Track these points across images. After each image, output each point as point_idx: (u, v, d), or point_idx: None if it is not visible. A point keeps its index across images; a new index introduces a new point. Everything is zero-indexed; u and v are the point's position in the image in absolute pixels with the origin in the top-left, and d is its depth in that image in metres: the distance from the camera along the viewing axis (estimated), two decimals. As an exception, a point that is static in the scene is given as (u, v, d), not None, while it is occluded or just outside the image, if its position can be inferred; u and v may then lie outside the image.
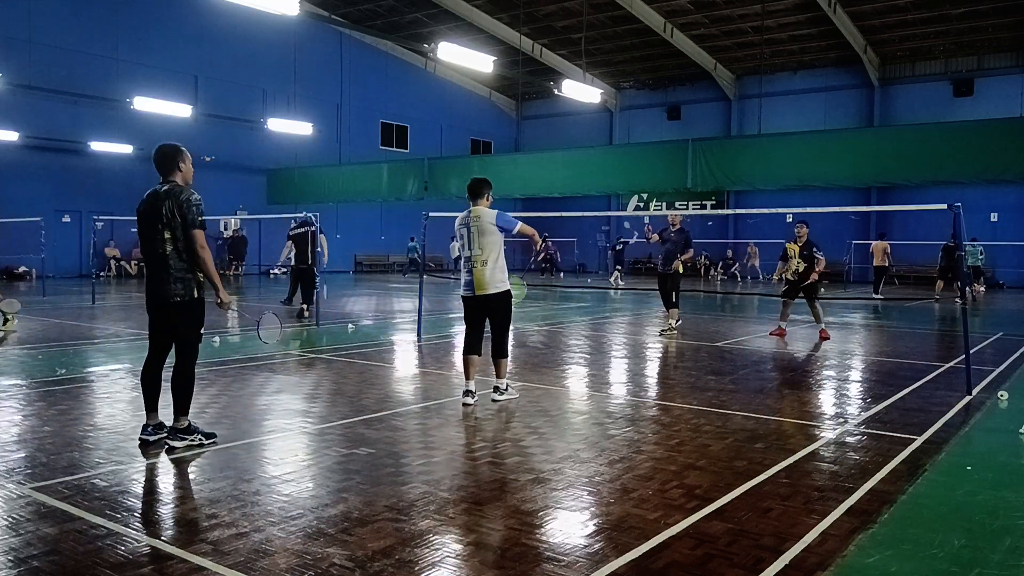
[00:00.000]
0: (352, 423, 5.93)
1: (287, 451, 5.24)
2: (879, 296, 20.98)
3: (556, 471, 4.74)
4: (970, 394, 7.25)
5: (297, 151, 29.88)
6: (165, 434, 5.24)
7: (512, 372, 8.54)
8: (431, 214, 11.64)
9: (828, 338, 11.61)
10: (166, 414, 5.33)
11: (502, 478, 4.58)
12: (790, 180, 20.88)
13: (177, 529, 3.76)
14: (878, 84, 31.17)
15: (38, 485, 4.31)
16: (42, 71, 23.81)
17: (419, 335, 11.17)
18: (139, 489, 4.37)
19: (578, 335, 12.24)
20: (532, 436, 5.64)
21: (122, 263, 26.59)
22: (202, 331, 5.32)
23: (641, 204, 36.00)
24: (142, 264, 25.21)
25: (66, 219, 25.12)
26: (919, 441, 5.58)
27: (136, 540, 3.57)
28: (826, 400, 7.43)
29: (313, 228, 13.96)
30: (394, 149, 35.54)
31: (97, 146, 24.80)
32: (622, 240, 29.21)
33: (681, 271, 12.37)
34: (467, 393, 6.69)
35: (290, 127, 27.48)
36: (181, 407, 5.16)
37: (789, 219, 31.31)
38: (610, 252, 28.54)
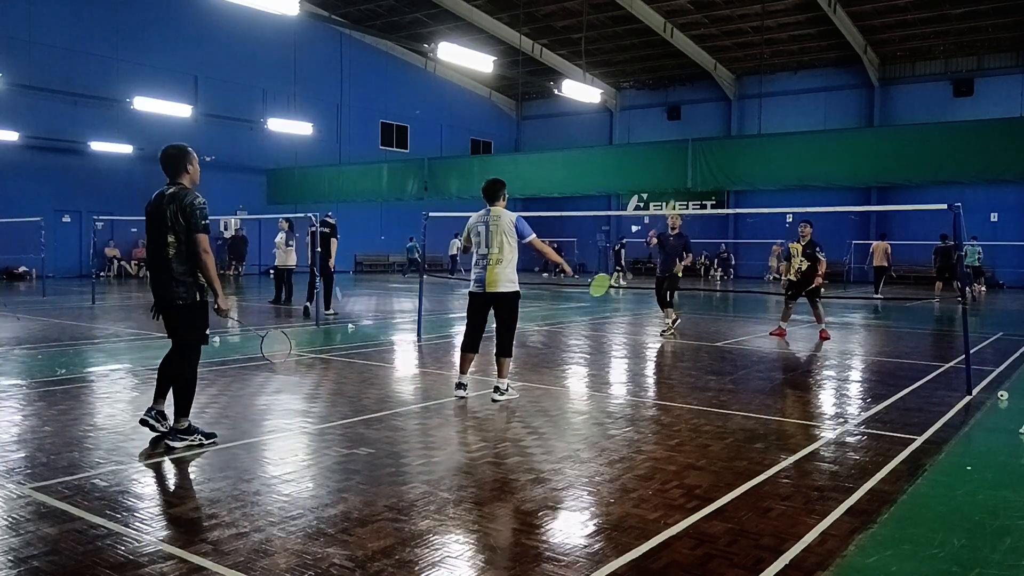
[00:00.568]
0: (352, 423, 5.93)
1: (287, 451, 5.23)
2: (879, 296, 20.99)
3: (556, 471, 4.74)
4: (970, 394, 7.25)
5: (297, 151, 29.89)
6: (164, 427, 5.27)
7: (512, 372, 8.53)
8: (431, 214, 11.64)
9: (828, 338, 11.60)
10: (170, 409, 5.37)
11: (502, 478, 4.58)
12: (790, 180, 20.89)
13: (177, 529, 3.76)
14: (878, 84, 31.18)
15: (38, 485, 4.31)
16: (42, 71, 23.82)
17: (419, 335, 11.17)
18: (139, 489, 4.37)
19: (578, 335, 12.24)
20: (532, 436, 5.64)
21: (122, 263, 26.60)
22: (207, 332, 5.33)
23: (641, 204, 36.01)
24: (142, 264, 25.38)
25: (66, 219, 25.13)
26: (919, 441, 5.58)
27: (136, 540, 3.57)
28: (826, 400, 7.43)
29: (325, 230, 14.14)
30: (394, 149, 35.54)
31: (97, 146, 24.81)
32: (624, 240, 29.30)
33: (681, 275, 12.35)
34: (459, 386, 6.85)
35: (290, 127, 27.48)
36: (181, 408, 5.17)
37: (789, 219, 31.42)
38: (612, 252, 28.59)
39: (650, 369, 9.43)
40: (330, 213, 15.27)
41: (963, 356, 7.71)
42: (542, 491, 4.36)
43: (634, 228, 28.04)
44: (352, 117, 33.36)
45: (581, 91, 23.09)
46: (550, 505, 4.14)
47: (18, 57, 23.18)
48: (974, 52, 29.30)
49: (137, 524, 3.78)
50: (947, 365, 9.24)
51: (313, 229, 14.42)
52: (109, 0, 25.68)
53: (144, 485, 4.47)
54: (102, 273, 24.16)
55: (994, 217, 28.57)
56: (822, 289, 11.97)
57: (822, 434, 5.86)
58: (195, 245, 4.99)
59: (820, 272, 11.66)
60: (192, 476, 4.66)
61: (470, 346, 6.90)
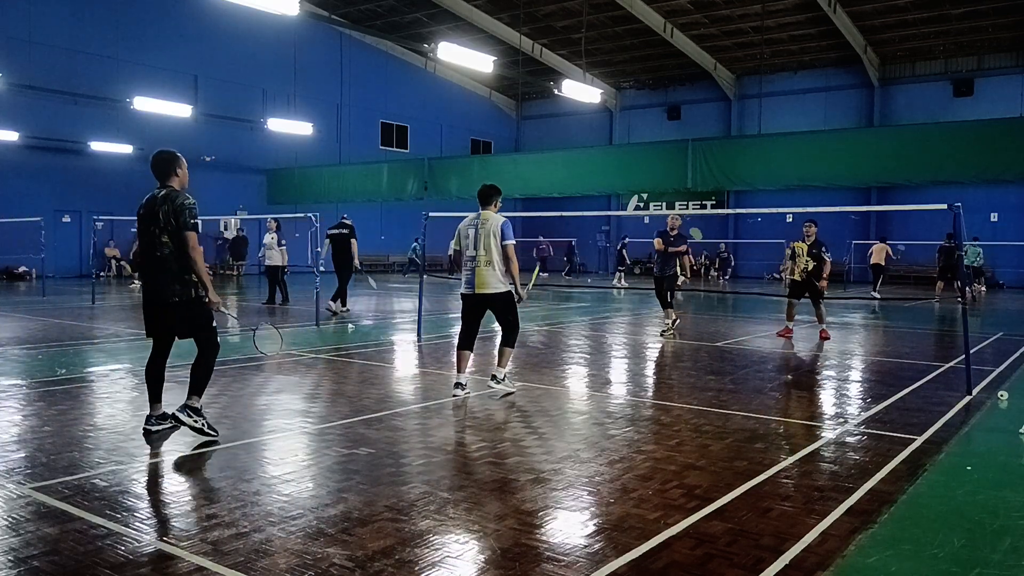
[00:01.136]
0: (352, 423, 5.93)
1: (287, 451, 5.23)
2: (877, 295, 20.98)
3: (556, 471, 4.74)
4: (970, 394, 7.25)
5: (297, 151, 29.89)
6: (168, 425, 5.39)
7: (512, 372, 8.54)
8: (431, 214, 11.65)
9: (828, 338, 11.60)
10: (169, 403, 5.43)
11: (502, 478, 4.58)
12: (790, 180, 20.88)
13: (177, 529, 3.76)
14: (878, 84, 31.18)
15: (38, 485, 4.31)
16: (42, 71, 23.81)
17: (419, 335, 11.17)
18: (139, 489, 4.37)
19: (578, 335, 12.23)
20: (532, 436, 5.64)
21: (122, 263, 26.58)
22: (215, 325, 5.48)
23: (641, 204, 36.01)
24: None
25: (66, 219, 25.13)
26: (919, 441, 5.58)
27: (136, 540, 3.57)
28: (826, 400, 7.43)
29: (344, 231, 14.75)
30: (394, 149, 35.54)
31: (97, 146, 24.80)
32: (625, 239, 29.30)
33: (678, 275, 12.36)
34: (457, 385, 6.97)
35: (290, 127, 27.48)
36: (196, 388, 5.34)
37: (789, 219, 31.35)
38: (617, 252, 28.60)
39: (650, 369, 9.43)
40: (345, 215, 15.60)
41: (963, 356, 7.71)
42: (542, 491, 4.36)
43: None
44: (352, 117, 33.36)
45: (581, 91, 23.09)
46: (550, 505, 4.15)
47: (18, 57, 23.17)
48: (974, 52, 29.30)
49: (137, 524, 3.78)
50: (947, 365, 9.24)
51: (336, 232, 14.88)
52: (109, 0, 25.68)
53: (144, 485, 4.47)
54: (102, 273, 24.15)
55: (994, 217, 28.56)
56: (820, 288, 11.91)
57: (822, 434, 5.86)
58: (184, 242, 5.15)
59: (825, 274, 11.62)
60: (192, 476, 4.66)
61: (465, 344, 7.05)
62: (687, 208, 34.34)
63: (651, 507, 4.08)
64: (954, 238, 16.42)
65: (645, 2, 28.23)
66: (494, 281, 6.82)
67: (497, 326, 7.22)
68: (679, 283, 12.48)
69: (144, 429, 5.42)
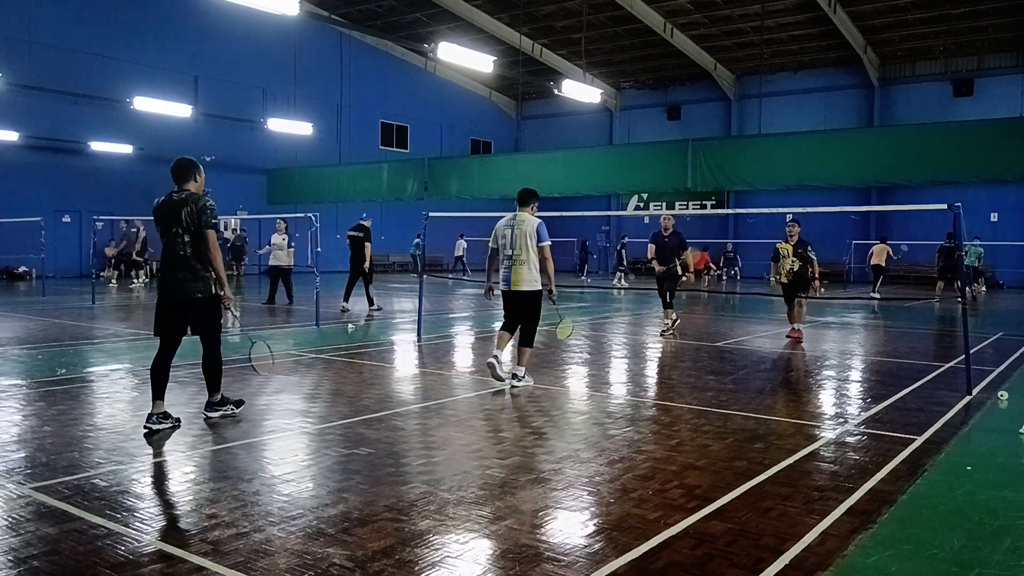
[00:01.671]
0: (352, 423, 5.93)
1: (287, 451, 5.24)
2: (877, 295, 20.98)
3: (556, 471, 4.74)
4: (970, 394, 7.25)
5: (297, 151, 29.88)
6: (169, 424, 5.61)
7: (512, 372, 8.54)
8: (431, 214, 11.65)
9: (799, 341, 11.23)
10: (170, 403, 5.49)
11: (502, 478, 4.58)
12: (790, 180, 20.87)
13: (177, 529, 3.76)
14: (878, 84, 31.17)
15: (38, 485, 4.31)
16: (42, 71, 23.80)
17: (419, 335, 11.17)
18: (139, 489, 4.37)
19: (578, 335, 12.22)
20: (532, 436, 5.64)
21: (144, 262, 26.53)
22: (221, 322, 5.90)
23: (641, 204, 36.00)
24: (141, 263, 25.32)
25: (66, 219, 25.12)
26: (919, 441, 5.58)
27: (136, 540, 3.57)
28: (826, 400, 7.43)
29: (359, 235, 15.09)
30: (394, 149, 35.52)
31: (97, 146, 24.79)
32: (625, 239, 29.31)
33: (680, 273, 12.33)
34: (494, 357, 7.40)
35: (290, 127, 27.47)
36: (213, 386, 5.85)
37: (789, 219, 31.34)
38: (616, 252, 28.51)
39: (650, 369, 9.43)
40: (364, 216, 15.75)
41: (963, 356, 7.71)
42: (542, 491, 4.36)
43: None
44: (352, 117, 33.36)
45: (581, 91, 23.09)
46: (550, 505, 4.15)
47: (18, 57, 23.16)
48: (974, 52, 29.29)
49: (137, 524, 3.78)
50: (947, 365, 9.24)
51: (353, 234, 15.15)
52: (109, 0, 25.68)
53: (144, 485, 4.46)
54: (102, 273, 24.14)
55: (994, 217, 28.55)
56: (815, 289, 11.57)
57: (822, 434, 5.86)
58: (205, 240, 5.53)
59: (816, 274, 11.34)
60: (192, 476, 4.66)
61: (507, 328, 7.57)
62: (687, 208, 34.35)
63: (651, 507, 4.08)
64: (954, 238, 16.46)
65: (645, 2, 28.23)
66: (527, 279, 7.24)
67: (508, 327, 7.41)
68: (682, 279, 12.40)
69: (145, 428, 5.51)
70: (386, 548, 3.50)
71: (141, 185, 26.67)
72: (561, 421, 6.27)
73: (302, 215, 14.53)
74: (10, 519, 3.80)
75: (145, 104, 23.48)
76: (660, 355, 10.33)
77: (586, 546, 3.58)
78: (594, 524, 3.87)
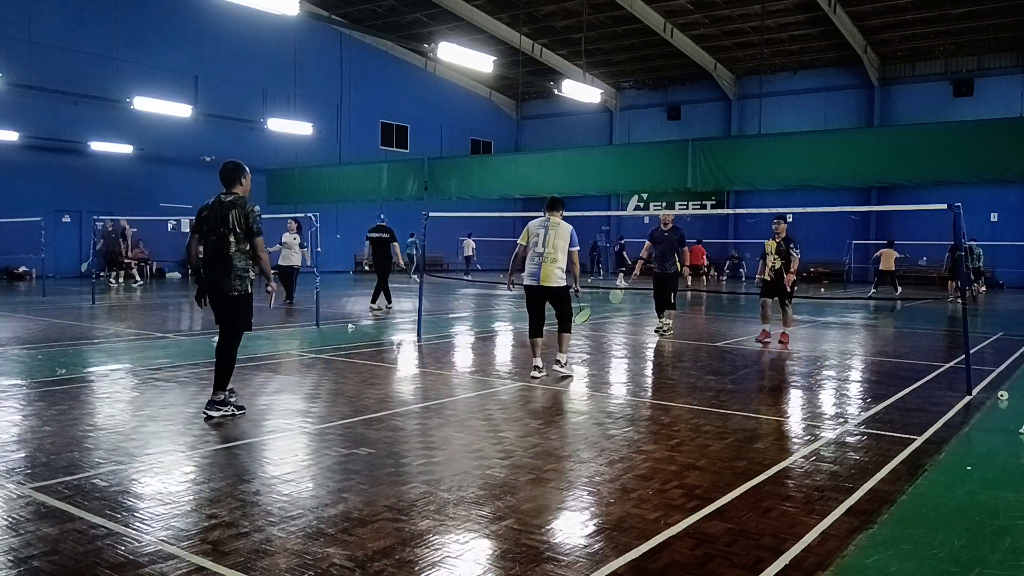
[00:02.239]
0: (352, 423, 5.93)
1: (287, 451, 5.24)
2: (872, 291, 21.00)
3: (556, 471, 4.74)
4: (970, 394, 7.25)
5: (297, 151, 29.88)
6: (230, 411, 5.99)
7: (513, 372, 8.55)
8: (431, 214, 11.65)
9: (785, 344, 10.88)
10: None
11: (502, 478, 4.58)
12: (790, 180, 20.86)
13: (177, 529, 3.76)
14: (878, 84, 31.17)
15: (38, 485, 4.31)
16: (42, 71, 23.80)
17: (419, 335, 11.17)
18: (139, 489, 4.37)
19: (578, 335, 12.20)
20: (532, 436, 5.64)
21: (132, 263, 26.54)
22: (252, 320, 6.25)
23: (641, 204, 36.00)
24: (141, 264, 25.30)
25: (66, 219, 25.12)
26: (919, 441, 5.58)
27: (136, 540, 3.57)
28: (826, 400, 7.42)
29: (385, 235, 15.55)
30: (394, 149, 35.52)
31: (97, 146, 24.79)
32: (623, 240, 29.31)
33: (680, 270, 12.28)
34: (535, 368, 7.93)
35: (290, 127, 27.47)
36: (220, 383, 5.98)
37: (789, 219, 31.29)
38: (615, 253, 28.44)
39: (650, 369, 9.43)
40: (383, 216, 16.09)
41: (963, 356, 7.71)
42: (542, 491, 4.36)
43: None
44: (352, 117, 33.35)
45: (581, 91, 23.08)
46: (550, 505, 4.15)
47: (18, 57, 23.16)
48: (974, 52, 29.29)
49: (137, 524, 3.78)
50: (947, 365, 9.24)
51: (374, 236, 15.45)
52: (109, 0, 25.67)
53: (144, 485, 4.46)
54: (102, 273, 24.15)
55: (994, 217, 28.55)
56: (795, 289, 11.04)
57: (822, 434, 5.85)
58: (255, 247, 5.96)
59: (792, 270, 10.76)
60: (192, 476, 4.66)
61: (536, 332, 8.02)
62: (687, 208, 34.33)
63: (651, 507, 4.08)
64: (956, 238, 16.38)
65: (645, 2, 28.22)
66: (556, 276, 7.82)
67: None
68: (684, 276, 12.39)
69: (204, 413, 5.93)
70: (386, 548, 3.49)
71: (141, 185, 26.71)
72: (561, 421, 6.27)
73: (302, 215, 14.56)
74: (10, 519, 3.80)
75: (145, 104, 23.47)
76: (660, 355, 10.33)
77: (586, 546, 3.58)
78: (594, 524, 3.87)
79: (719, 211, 37.06)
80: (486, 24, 30.72)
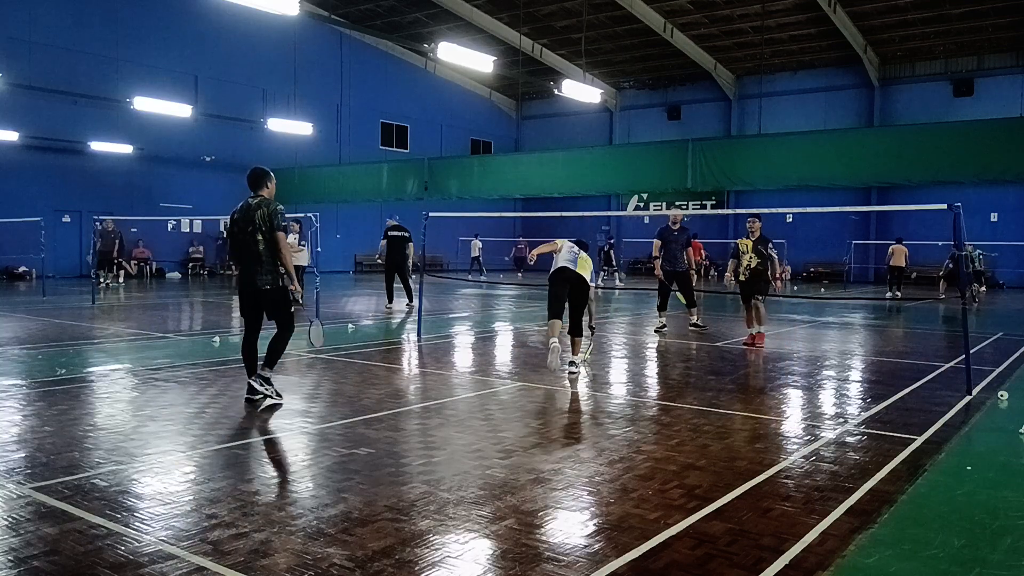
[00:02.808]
0: (352, 423, 5.93)
1: (287, 451, 5.24)
2: (889, 295, 21.01)
3: (556, 471, 4.74)
4: (970, 394, 7.25)
5: (297, 151, 29.87)
6: (265, 395, 6.43)
7: (513, 372, 8.56)
8: (431, 214, 11.65)
9: (761, 346, 10.61)
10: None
11: (502, 478, 4.58)
12: (790, 180, 20.88)
13: (177, 529, 3.76)
14: (878, 84, 31.17)
15: (38, 485, 4.31)
16: (42, 71, 23.80)
17: (419, 335, 11.17)
18: (139, 489, 4.37)
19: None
20: (532, 436, 5.64)
21: (123, 263, 26.52)
22: (292, 310, 6.63)
23: (641, 204, 35.99)
24: (142, 264, 25.33)
25: (66, 219, 25.12)
26: (919, 441, 5.58)
27: (136, 540, 3.57)
28: (826, 400, 7.42)
29: (404, 234, 15.77)
30: (394, 149, 35.52)
31: (97, 146, 24.79)
32: (611, 241, 29.36)
33: (689, 269, 12.43)
34: (556, 340, 8.23)
35: (290, 127, 27.47)
36: (270, 361, 6.49)
37: (789, 219, 31.40)
38: (600, 253, 28.13)
39: (650, 369, 9.43)
40: (396, 216, 16.17)
41: (963, 356, 7.71)
42: (542, 491, 4.36)
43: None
44: (352, 117, 33.35)
45: (581, 91, 23.08)
46: (550, 505, 4.14)
47: (18, 57, 23.16)
48: (974, 52, 29.29)
49: (137, 524, 3.77)
50: (947, 365, 9.24)
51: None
52: (109, 0, 25.67)
53: (144, 485, 4.46)
54: (96, 273, 24.15)
55: (994, 217, 28.54)
56: (772, 288, 10.92)
57: (822, 434, 5.85)
58: (276, 241, 6.35)
59: (778, 274, 10.64)
60: (192, 476, 4.66)
61: (556, 314, 8.33)
62: (687, 208, 34.33)
63: (651, 507, 4.08)
64: (957, 239, 16.36)
65: (645, 2, 28.22)
66: (587, 275, 8.49)
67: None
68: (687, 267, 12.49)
69: (246, 398, 6.45)
70: (386, 548, 3.49)
71: (141, 185, 26.71)
72: (561, 421, 6.27)
73: (302, 215, 14.54)
74: (10, 519, 3.80)
75: (145, 104, 23.47)
76: (660, 355, 10.33)
77: (586, 546, 3.58)
78: (594, 524, 3.87)
79: (719, 211, 37.05)
80: (486, 24, 30.72)
